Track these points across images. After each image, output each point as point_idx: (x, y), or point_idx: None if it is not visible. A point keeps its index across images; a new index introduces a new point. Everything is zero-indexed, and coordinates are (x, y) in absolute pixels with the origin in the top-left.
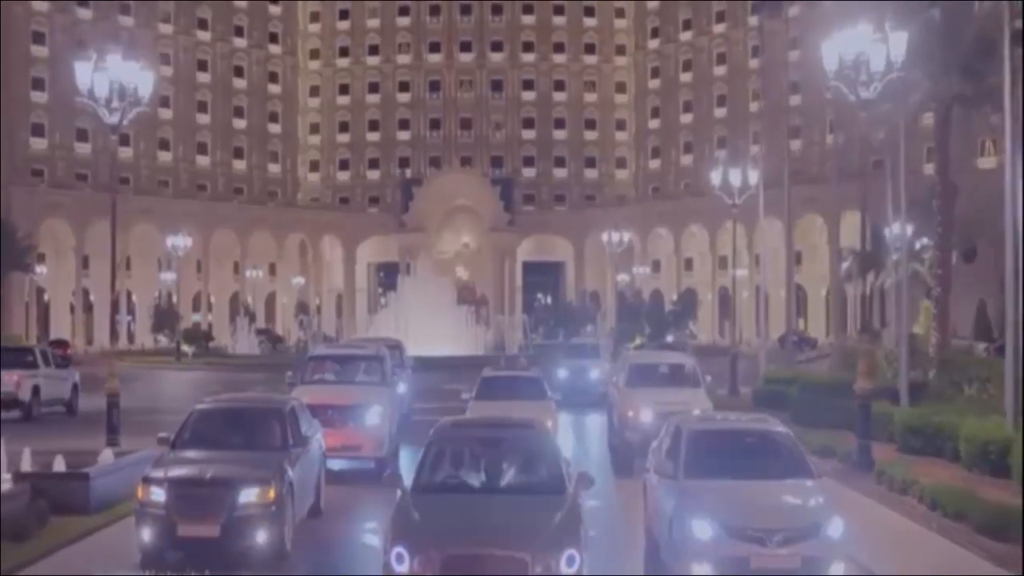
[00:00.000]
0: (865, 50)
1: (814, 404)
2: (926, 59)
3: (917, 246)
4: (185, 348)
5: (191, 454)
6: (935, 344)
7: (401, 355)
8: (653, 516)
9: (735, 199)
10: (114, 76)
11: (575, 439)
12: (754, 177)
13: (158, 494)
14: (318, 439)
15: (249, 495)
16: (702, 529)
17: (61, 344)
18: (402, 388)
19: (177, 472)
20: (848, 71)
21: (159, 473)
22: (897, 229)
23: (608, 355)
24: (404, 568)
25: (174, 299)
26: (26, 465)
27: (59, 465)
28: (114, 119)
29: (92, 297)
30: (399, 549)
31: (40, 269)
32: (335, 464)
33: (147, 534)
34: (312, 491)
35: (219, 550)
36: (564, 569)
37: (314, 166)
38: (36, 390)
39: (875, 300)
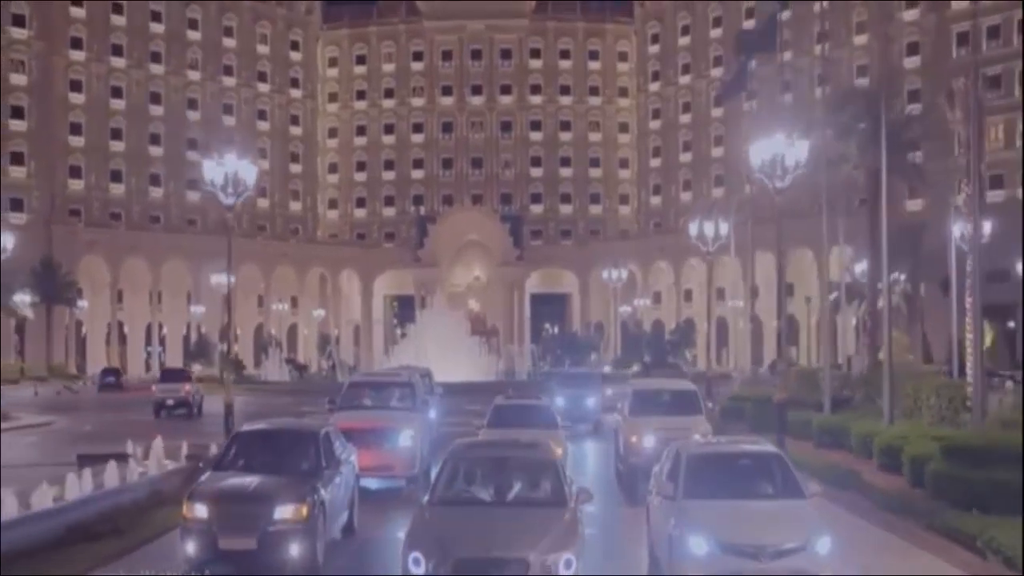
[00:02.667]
0: (780, 151)
1: (764, 415)
2: (857, 134)
3: (890, 278)
4: (227, 376)
5: (232, 474)
6: (866, 366)
7: (430, 382)
8: (655, 535)
9: (709, 246)
10: (229, 169)
11: (580, 466)
12: (725, 228)
13: (201, 510)
14: (351, 461)
15: (284, 512)
16: (698, 545)
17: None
18: (432, 413)
19: (219, 490)
20: (767, 168)
21: (202, 491)
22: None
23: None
24: (420, 570)
25: (202, 330)
26: (184, 450)
27: (214, 450)
28: (230, 201)
29: (126, 329)
30: (415, 554)
31: (80, 303)
32: (371, 483)
33: (191, 547)
34: (345, 509)
35: (256, 562)
36: (562, 570)
37: (333, 204)
38: (194, 396)
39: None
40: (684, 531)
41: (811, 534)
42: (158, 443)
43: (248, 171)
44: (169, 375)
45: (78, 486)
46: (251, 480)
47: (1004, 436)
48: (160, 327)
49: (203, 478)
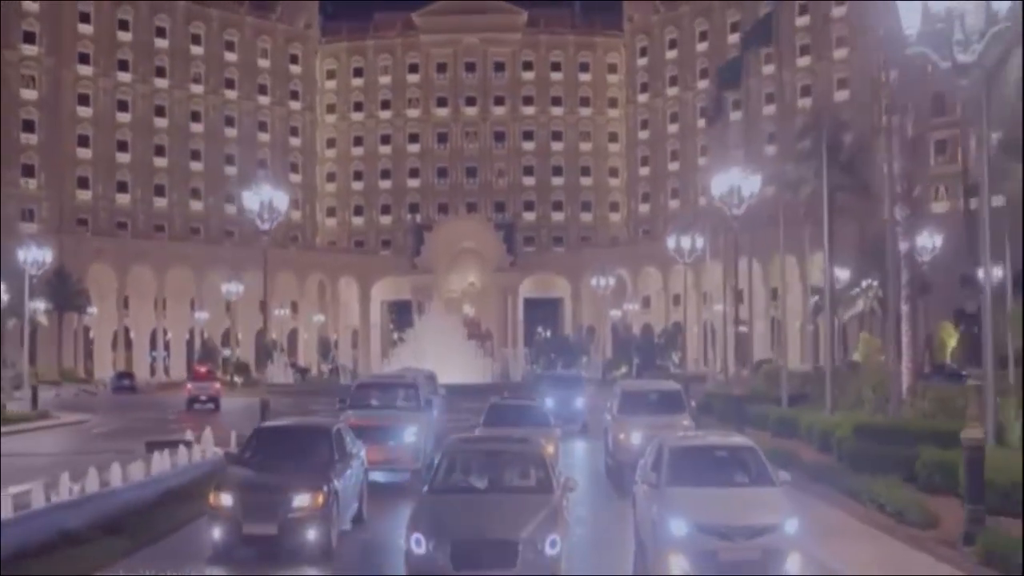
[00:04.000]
0: (738, 182)
1: (731, 410)
2: (815, 159)
3: (864, 284)
4: (236, 379)
5: (253, 466)
6: (822, 367)
7: (435, 383)
8: (640, 519)
9: (685, 257)
10: (264, 197)
11: (572, 463)
12: (700, 241)
13: (227, 499)
14: (361, 456)
15: (302, 500)
16: (679, 527)
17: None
18: (436, 412)
19: (242, 481)
20: (727, 197)
21: (228, 482)
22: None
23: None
24: (421, 550)
25: (205, 335)
26: (234, 439)
27: None
28: (266, 226)
29: (132, 335)
30: (417, 535)
31: (90, 310)
32: (379, 476)
33: (217, 532)
34: (355, 500)
35: (277, 546)
36: (548, 550)
37: (331, 212)
38: (219, 392)
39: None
40: (666, 515)
41: (780, 516)
42: (208, 433)
43: (281, 200)
44: (201, 375)
45: (160, 463)
46: (271, 472)
47: (906, 420)
48: (164, 332)
49: (228, 470)
